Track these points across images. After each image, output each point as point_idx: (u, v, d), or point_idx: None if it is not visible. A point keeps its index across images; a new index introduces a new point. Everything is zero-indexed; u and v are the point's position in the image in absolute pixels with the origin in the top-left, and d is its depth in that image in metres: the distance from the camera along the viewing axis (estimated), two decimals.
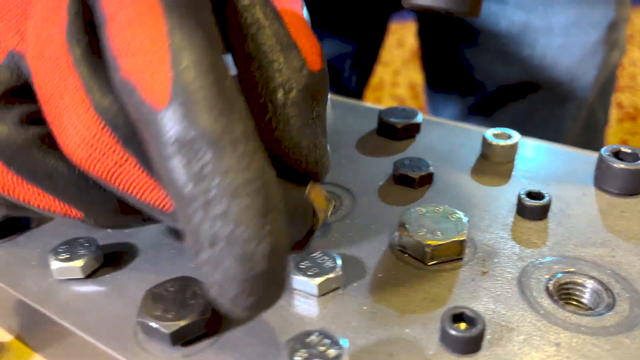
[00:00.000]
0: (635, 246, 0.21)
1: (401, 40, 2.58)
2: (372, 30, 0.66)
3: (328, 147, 0.21)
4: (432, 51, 0.59)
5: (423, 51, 0.61)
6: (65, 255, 0.20)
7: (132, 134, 0.16)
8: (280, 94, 0.18)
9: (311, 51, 0.20)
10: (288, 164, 0.19)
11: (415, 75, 2.61)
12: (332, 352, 0.15)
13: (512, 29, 0.50)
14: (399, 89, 2.61)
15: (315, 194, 0.20)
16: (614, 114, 2.53)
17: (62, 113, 0.17)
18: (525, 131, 0.51)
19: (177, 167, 0.14)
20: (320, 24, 0.61)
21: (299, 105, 0.19)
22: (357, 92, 0.72)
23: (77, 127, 0.16)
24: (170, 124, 0.14)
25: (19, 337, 0.23)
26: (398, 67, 2.81)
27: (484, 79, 0.52)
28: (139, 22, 0.15)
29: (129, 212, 0.18)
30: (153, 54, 0.14)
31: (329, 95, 0.32)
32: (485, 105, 0.53)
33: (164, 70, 0.14)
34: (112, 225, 0.19)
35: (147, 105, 0.14)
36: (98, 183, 0.17)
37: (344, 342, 0.15)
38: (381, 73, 2.72)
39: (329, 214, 0.21)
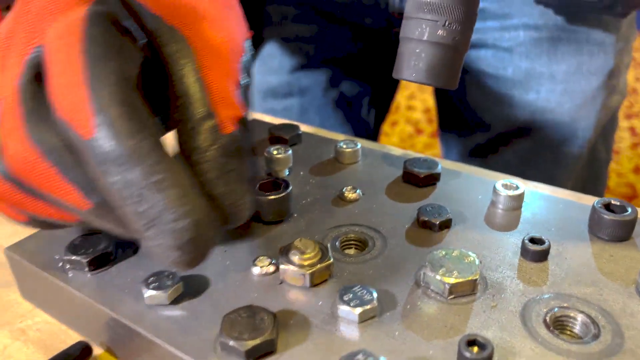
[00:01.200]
0: (620, 286, 0.26)
1: None
2: (387, 74, 0.71)
3: (247, 194, 0.24)
4: (443, 93, 0.64)
5: (436, 93, 0.66)
6: (154, 285, 0.25)
7: (53, 150, 0.21)
8: (197, 153, 0.23)
9: (226, 117, 0.25)
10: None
11: (430, 100, 2.65)
12: None
13: (518, 75, 0.55)
14: (415, 113, 2.66)
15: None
16: (627, 139, 2.55)
17: (5, 136, 0.22)
18: (532, 168, 0.56)
19: (110, 179, 0.20)
20: (339, 68, 0.66)
21: (212, 162, 0.23)
22: (376, 126, 0.77)
23: (14, 146, 0.22)
24: (97, 149, 0.20)
25: (109, 350, 0.27)
26: (414, 92, 2.87)
27: (493, 120, 0.57)
28: (65, 73, 0.21)
29: None
30: (77, 99, 0.20)
31: (360, 145, 0.37)
32: (494, 145, 0.58)
33: (86, 111, 0.20)
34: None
35: (78, 136, 0.20)
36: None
37: None
38: (397, 97, 2.77)
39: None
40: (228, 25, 0.27)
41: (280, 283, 0.26)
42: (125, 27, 0.24)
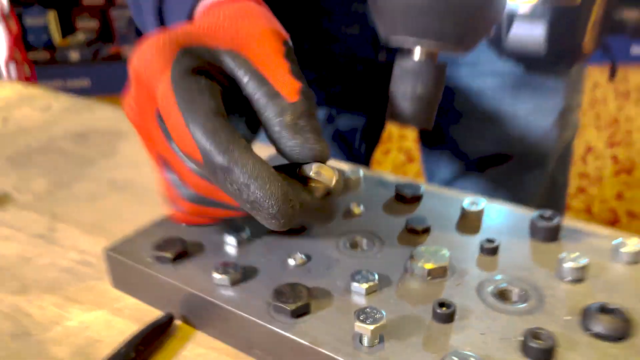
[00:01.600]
0: (547, 271, 0.37)
1: None
2: (382, 104, 0.83)
3: (321, 139, 0.32)
4: (427, 130, 0.75)
5: (420, 130, 0.78)
6: (220, 271, 0.36)
7: (208, 174, 0.31)
8: (275, 125, 0.32)
9: (288, 92, 0.33)
10: (294, 158, 0.32)
11: None
12: (378, 315, 0.31)
13: (487, 113, 0.67)
14: (406, 141, 2.79)
15: (323, 169, 0.32)
16: (610, 167, 2.67)
17: (181, 174, 0.34)
18: (501, 192, 0.67)
19: (223, 182, 0.30)
20: (335, 105, 0.77)
21: (288, 126, 0.32)
22: (366, 157, 0.88)
23: (189, 179, 0.33)
24: (207, 167, 0.30)
25: (185, 321, 0.38)
26: None
27: (467, 151, 0.69)
28: (171, 119, 0.31)
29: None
30: (184, 137, 0.30)
31: (362, 172, 0.49)
32: (469, 172, 0.69)
33: (191, 144, 0.30)
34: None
35: (197, 162, 0.30)
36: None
37: (384, 312, 0.31)
38: (390, 127, 2.89)
39: (334, 180, 0.32)
40: (265, 22, 0.36)
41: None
42: (204, 69, 0.33)
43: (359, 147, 0.84)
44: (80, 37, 3.86)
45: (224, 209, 0.35)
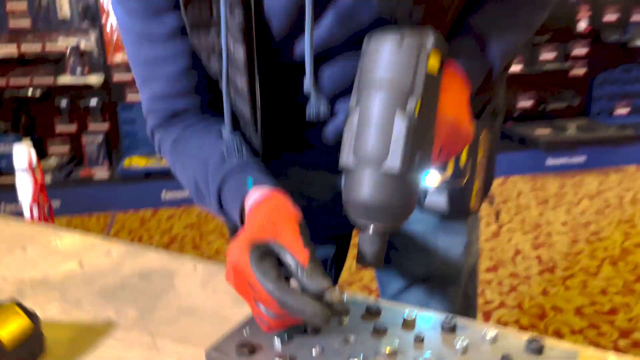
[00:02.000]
0: (449, 349, 0.70)
1: None
2: (349, 236, 1.17)
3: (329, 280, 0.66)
4: None
5: None
6: (278, 358, 0.67)
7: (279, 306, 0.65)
8: (303, 284, 0.67)
9: (303, 261, 0.65)
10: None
11: None
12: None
13: (416, 248, 1.02)
14: None
15: (333, 295, 0.64)
16: (536, 267, 3.04)
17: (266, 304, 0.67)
18: (431, 302, 1.02)
19: (284, 310, 0.65)
20: (315, 240, 1.10)
21: (307, 280, 0.66)
22: (336, 278, 1.20)
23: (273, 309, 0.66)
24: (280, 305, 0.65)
25: None
26: None
27: (406, 273, 1.03)
28: (254, 286, 0.66)
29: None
30: (264, 295, 0.65)
31: (345, 296, 0.82)
32: (408, 288, 1.03)
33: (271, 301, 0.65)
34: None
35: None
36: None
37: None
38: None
39: (340, 299, 0.64)
40: (287, 214, 0.70)
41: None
42: (266, 254, 0.67)
43: (329, 272, 1.16)
44: (52, 161, 4.10)
45: (293, 319, 0.67)
